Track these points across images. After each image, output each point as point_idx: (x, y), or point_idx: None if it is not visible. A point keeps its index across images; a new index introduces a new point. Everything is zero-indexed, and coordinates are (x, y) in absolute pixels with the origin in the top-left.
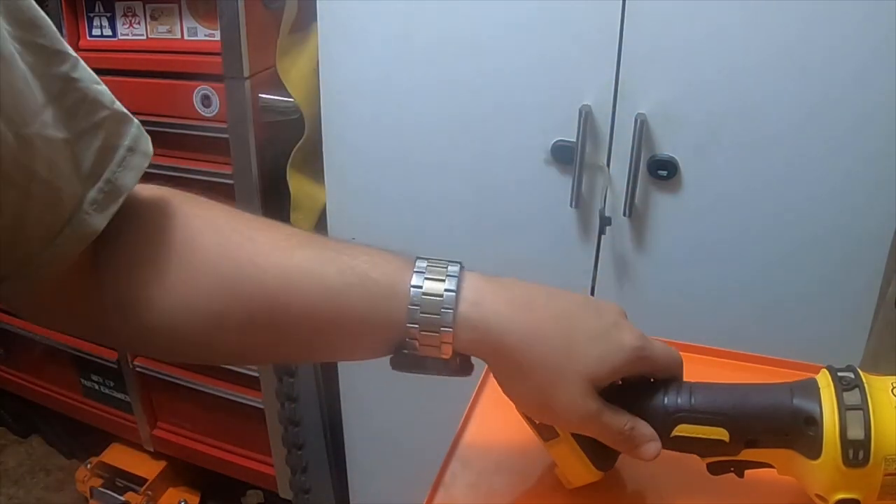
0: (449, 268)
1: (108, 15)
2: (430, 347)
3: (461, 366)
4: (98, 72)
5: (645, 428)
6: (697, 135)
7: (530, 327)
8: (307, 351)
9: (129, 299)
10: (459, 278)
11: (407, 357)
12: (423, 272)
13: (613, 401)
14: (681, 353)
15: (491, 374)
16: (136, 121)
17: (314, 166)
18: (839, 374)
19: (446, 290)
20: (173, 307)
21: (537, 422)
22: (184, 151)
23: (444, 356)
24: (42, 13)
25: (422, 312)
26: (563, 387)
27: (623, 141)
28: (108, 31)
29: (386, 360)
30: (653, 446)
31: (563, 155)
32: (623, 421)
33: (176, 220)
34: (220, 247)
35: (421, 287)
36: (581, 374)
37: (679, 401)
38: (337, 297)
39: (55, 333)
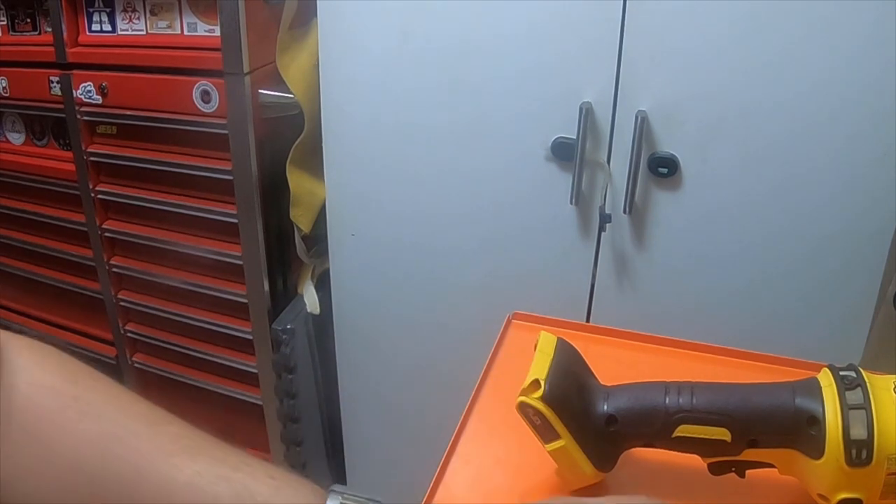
0: None
1: (108, 10)
2: None
3: None
4: (97, 67)
5: None
6: (698, 133)
7: None
8: None
9: None
10: None
11: None
12: None
13: (616, 398)
14: (680, 350)
15: (491, 372)
16: None
17: (314, 162)
18: (841, 373)
19: None
20: (14, 488)
21: (538, 422)
22: (183, 147)
23: None
24: None
25: None
26: None
27: (623, 138)
28: (107, 27)
29: (385, 358)
30: None
31: (563, 152)
32: None
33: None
34: (97, 440)
35: None
36: None
37: (681, 401)
38: None
39: (52, 330)
